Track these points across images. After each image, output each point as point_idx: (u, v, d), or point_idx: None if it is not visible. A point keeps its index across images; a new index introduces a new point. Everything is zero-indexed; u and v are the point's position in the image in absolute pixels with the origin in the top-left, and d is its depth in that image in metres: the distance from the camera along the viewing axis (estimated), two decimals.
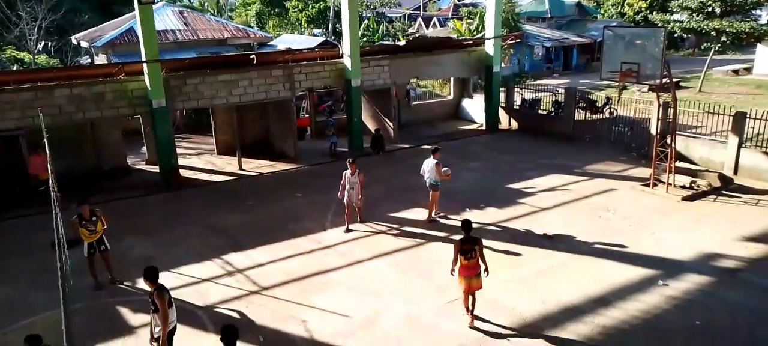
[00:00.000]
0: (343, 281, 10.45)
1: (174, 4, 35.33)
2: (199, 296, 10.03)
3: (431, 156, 12.83)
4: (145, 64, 15.69)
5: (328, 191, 15.39)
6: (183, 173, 17.39)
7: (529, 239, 11.89)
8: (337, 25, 41.32)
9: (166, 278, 10.61)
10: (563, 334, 8.47)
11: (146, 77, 15.78)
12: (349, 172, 12.48)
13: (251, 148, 19.41)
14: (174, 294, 10.08)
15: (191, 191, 16.16)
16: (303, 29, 45.10)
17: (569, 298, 9.40)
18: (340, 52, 19.52)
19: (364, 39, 37.67)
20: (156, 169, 17.09)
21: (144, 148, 19.51)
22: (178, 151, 18.03)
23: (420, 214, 13.41)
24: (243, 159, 18.34)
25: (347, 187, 12.50)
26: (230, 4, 54.58)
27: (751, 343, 8.03)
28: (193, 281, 10.60)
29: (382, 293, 9.90)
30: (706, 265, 10.42)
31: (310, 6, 45.05)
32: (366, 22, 41.53)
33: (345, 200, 12.54)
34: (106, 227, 10.23)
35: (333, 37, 38.94)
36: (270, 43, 31.83)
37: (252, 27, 43.55)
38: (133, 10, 16.46)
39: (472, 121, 23.57)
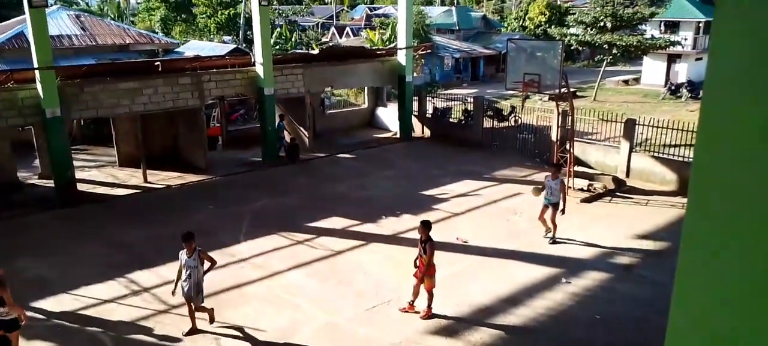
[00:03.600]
0: (259, 294, 10.19)
1: (70, 8, 33.01)
2: (102, 319, 9.38)
3: (552, 177, 11.77)
4: (37, 71, 14.51)
5: (242, 202, 15.01)
6: (82, 187, 16.22)
7: (443, 243, 12.20)
8: (249, 33, 40.42)
9: (64, 301, 9.88)
10: (477, 334, 8.78)
11: (39, 85, 14.58)
12: (184, 253, 8.53)
13: (158, 160, 18.46)
14: (74, 317, 9.43)
15: (91, 207, 15.10)
16: (212, 36, 43.74)
17: (481, 299, 9.76)
18: (252, 59, 19.12)
19: (277, 47, 37.17)
20: (51, 183, 15.81)
21: (37, 162, 17.98)
22: (76, 163, 16.78)
23: (337, 223, 13.39)
24: (149, 171, 17.41)
25: (183, 275, 8.56)
26: (132, 9, 51.86)
27: (644, 331, 8.72)
28: (95, 303, 9.90)
29: (301, 303, 9.77)
30: (604, 262, 11.22)
31: (220, 12, 43.81)
32: (278, 29, 41.04)
33: (182, 295, 8.68)
34: None
35: (244, 45, 38.05)
36: (176, 49, 30.56)
37: (157, 33, 41.59)
38: (24, 13, 15.17)
39: (387, 130, 23.91)
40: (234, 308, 9.67)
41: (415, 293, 9.21)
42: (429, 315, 9.15)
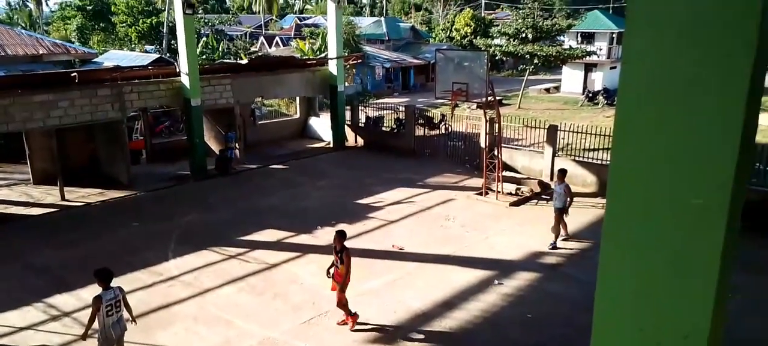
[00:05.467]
0: (190, 312, 9.82)
1: None
2: None
3: (558, 182, 12.22)
4: None
5: (169, 217, 14.43)
6: None
7: (379, 252, 12.28)
8: (173, 42, 39.10)
9: None
10: (414, 339, 8.87)
11: None
12: (105, 292, 7.54)
13: (76, 176, 17.45)
14: None
15: (2, 228, 14.04)
16: (133, 46, 41.92)
17: (418, 305, 9.88)
18: (177, 69, 18.50)
19: (204, 57, 36.14)
20: None
21: None
22: None
23: (271, 236, 13.15)
24: (66, 188, 16.40)
25: (108, 315, 7.50)
26: (46, 18, 48.83)
27: (572, 328, 9.12)
28: (10, 331, 9.19)
29: (235, 320, 9.50)
30: (533, 262, 11.66)
31: (141, 21, 42.06)
32: (205, 39, 39.92)
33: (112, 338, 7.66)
34: None
35: (168, 55, 36.73)
36: (95, 59, 29.07)
37: (73, 43, 39.39)
38: None
39: (320, 139, 23.78)
40: (163, 328, 9.26)
41: (344, 308, 9.09)
42: (355, 321, 9.09)
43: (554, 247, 12.25)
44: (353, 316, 9.12)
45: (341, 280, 8.83)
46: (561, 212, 12.22)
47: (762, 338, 8.37)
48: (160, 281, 10.97)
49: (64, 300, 10.19)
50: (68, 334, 9.10)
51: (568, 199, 12.19)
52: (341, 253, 8.80)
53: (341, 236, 8.90)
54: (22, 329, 9.28)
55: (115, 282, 7.86)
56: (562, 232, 12.47)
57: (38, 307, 9.98)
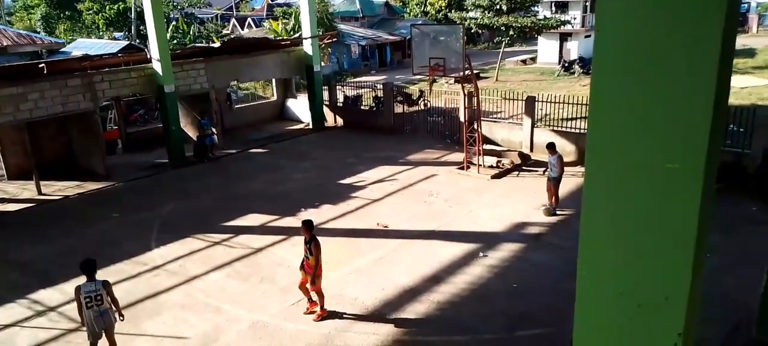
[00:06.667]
0: (177, 300, 9.78)
1: None
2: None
3: (551, 154, 12.45)
4: None
5: (149, 207, 14.29)
6: None
7: (364, 231, 12.33)
8: (142, 28, 38.20)
9: None
10: (404, 315, 8.98)
11: None
12: (85, 284, 7.53)
13: (52, 169, 17.13)
14: None
15: None
16: (101, 33, 40.88)
17: (405, 281, 9.98)
18: (148, 56, 18.12)
19: (175, 41, 35.37)
20: None
21: None
22: None
23: (255, 220, 13.11)
24: (42, 182, 16.09)
25: (84, 305, 7.45)
26: (7, 8, 47.31)
27: (556, 295, 9.30)
28: None
29: (223, 305, 9.50)
30: (517, 233, 11.82)
31: (108, 7, 40.94)
32: (174, 23, 39.06)
33: (95, 331, 7.63)
34: None
35: (138, 41, 35.93)
36: (62, 49, 28.31)
37: (38, 33, 38.29)
38: None
39: (299, 121, 23.62)
40: (151, 318, 9.23)
41: (306, 293, 8.93)
42: (323, 316, 8.88)
43: (554, 213, 12.49)
44: (323, 310, 8.90)
45: (312, 272, 8.59)
46: (557, 182, 12.47)
47: (737, 297, 8.64)
48: (144, 271, 10.89)
49: (48, 295, 10.08)
50: (55, 329, 9.02)
51: (560, 169, 12.41)
52: (310, 243, 8.57)
53: (308, 226, 8.63)
54: (7, 326, 9.17)
55: (100, 275, 7.79)
56: (554, 202, 12.67)
57: (22, 303, 9.85)
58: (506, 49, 34.57)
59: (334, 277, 10.09)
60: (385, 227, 12.43)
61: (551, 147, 12.63)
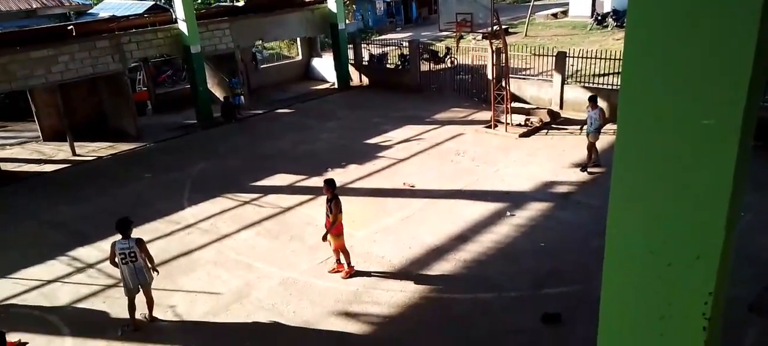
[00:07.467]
0: (210, 258, 10.07)
1: None
2: (47, 300, 9.06)
3: (592, 108, 12.15)
4: None
5: (180, 167, 14.59)
6: (5, 166, 15.27)
7: (390, 190, 12.39)
8: None
9: (3, 287, 9.44)
10: (430, 273, 9.07)
11: None
12: (120, 241, 7.83)
13: (85, 131, 17.56)
14: (17, 301, 9.06)
15: (17, 186, 14.29)
16: None
17: (432, 240, 10.04)
18: (173, 16, 18.18)
19: (199, 1, 35.39)
20: None
21: None
22: None
23: (283, 180, 13.28)
24: (77, 143, 16.55)
25: (119, 259, 7.81)
26: None
27: (585, 254, 9.26)
28: (38, 284, 9.52)
29: (253, 263, 9.74)
30: (544, 192, 11.72)
31: None
32: None
33: (130, 287, 7.96)
34: None
35: (163, 1, 35.99)
36: (90, 11, 28.59)
37: None
38: None
39: (324, 81, 23.57)
40: (185, 274, 9.54)
41: (335, 253, 9.09)
42: (351, 273, 9.02)
43: (584, 169, 12.32)
44: (350, 267, 9.05)
45: (330, 228, 8.69)
46: (596, 136, 12.18)
47: None
48: (177, 229, 11.21)
49: (86, 252, 10.48)
50: (95, 284, 9.42)
51: (601, 122, 12.14)
52: (331, 202, 8.66)
53: (330, 184, 8.72)
54: (49, 282, 9.60)
55: (135, 234, 8.06)
56: (595, 158, 12.45)
57: (62, 260, 10.28)
58: (536, 2, 33.59)
59: (361, 236, 10.21)
60: (412, 186, 12.45)
61: (593, 100, 12.33)
